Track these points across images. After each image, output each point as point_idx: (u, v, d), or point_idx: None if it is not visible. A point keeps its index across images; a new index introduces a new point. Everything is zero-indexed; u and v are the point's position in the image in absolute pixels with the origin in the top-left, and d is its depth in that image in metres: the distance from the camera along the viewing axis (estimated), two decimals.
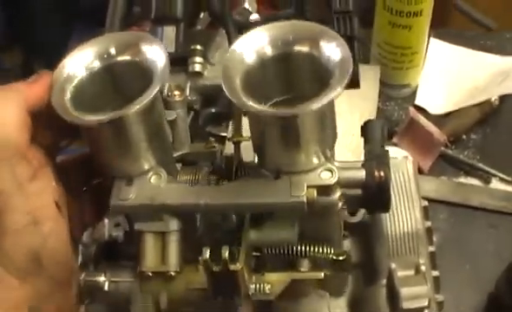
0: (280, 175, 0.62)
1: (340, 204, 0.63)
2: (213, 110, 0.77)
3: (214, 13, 0.80)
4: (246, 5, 1.37)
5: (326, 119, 0.61)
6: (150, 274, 0.64)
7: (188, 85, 0.73)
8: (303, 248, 0.65)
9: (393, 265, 0.74)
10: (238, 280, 0.61)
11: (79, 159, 0.68)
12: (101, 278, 0.67)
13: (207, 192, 0.63)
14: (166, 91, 0.71)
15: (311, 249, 0.65)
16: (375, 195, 0.63)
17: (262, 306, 0.77)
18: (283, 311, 0.76)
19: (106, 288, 0.67)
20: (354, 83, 0.69)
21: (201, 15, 1.31)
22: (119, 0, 0.78)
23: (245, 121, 0.73)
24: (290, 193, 0.60)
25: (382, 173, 0.63)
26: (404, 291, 0.71)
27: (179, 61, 0.73)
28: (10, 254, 0.57)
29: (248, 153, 0.73)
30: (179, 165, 0.69)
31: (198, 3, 0.98)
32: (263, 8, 1.40)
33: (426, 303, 0.71)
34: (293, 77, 0.64)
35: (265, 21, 0.86)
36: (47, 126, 0.62)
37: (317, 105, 0.57)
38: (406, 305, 0.70)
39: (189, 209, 0.63)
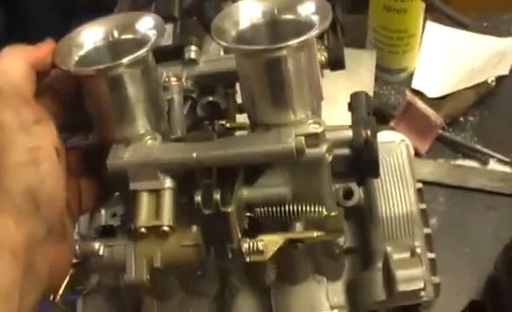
0: (270, 128, 0.64)
1: (329, 158, 0.63)
2: (210, 99, 0.78)
3: (204, 21, 0.81)
4: None
5: (308, 66, 0.63)
6: (144, 231, 0.64)
7: (184, 73, 0.74)
8: (295, 207, 0.65)
9: (389, 248, 0.74)
10: (229, 225, 0.62)
11: (80, 147, 0.69)
12: (97, 244, 0.68)
13: (199, 147, 0.65)
14: (163, 78, 0.72)
15: (304, 208, 0.65)
16: (362, 154, 0.65)
17: (261, 295, 0.79)
18: (281, 297, 0.77)
19: (101, 252, 0.68)
20: (340, 64, 0.71)
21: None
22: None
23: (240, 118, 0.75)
24: (279, 141, 0.62)
25: (368, 132, 0.64)
26: (400, 274, 0.71)
27: (176, 53, 0.75)
28: (9, 190, 0.57)
29: None
30: None
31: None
32: None
33: (422, 285, 0.71)
34: (278, 36, 0.65)
35: None
36: (53, 97, 0.65)
37: (296, 40, 0.59)
38: (402, 288, 0.71)
39: (181, 163, 0.65)
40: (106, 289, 0.81)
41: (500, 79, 1.24)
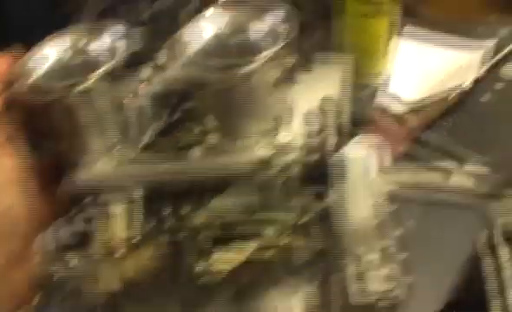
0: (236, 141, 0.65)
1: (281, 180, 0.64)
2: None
3: None
4: None
5: (260, 93, 0.64)
6: (115, 243, 0.65)
7: (154, 78, 0.74)
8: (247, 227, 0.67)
9: (360, 250, 0.75)
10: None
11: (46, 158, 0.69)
12: (65, 258, 0.68)
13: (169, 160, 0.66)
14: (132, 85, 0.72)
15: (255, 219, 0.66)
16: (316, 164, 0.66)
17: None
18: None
19: (70, 265, 0.68)
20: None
21: None
22: None
23: None
24: (244, 153, 0.64)
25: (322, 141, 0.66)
26: (372, 275, 0.72)
27: (145, 58, 0.75)
28: None
29: None
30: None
31: None
32: None
33: (393, 285, 0.72)
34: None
35: None
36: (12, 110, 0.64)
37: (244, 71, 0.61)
38: (374, 288, 0.71)
39: (152, 175, 0.66)
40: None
41: (476, 81, 1.25)
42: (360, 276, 0.73)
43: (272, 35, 0.62)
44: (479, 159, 1.18)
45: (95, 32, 0.68)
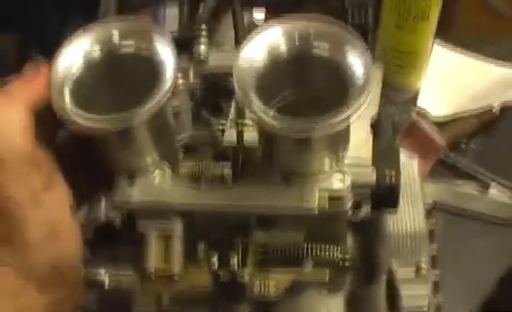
0: (290, 178, 0.61)
1: (350, 211, 0.62)
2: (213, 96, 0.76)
3: None
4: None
5: (341, 132, 0.59)
6: (153, 274, 0.63)
7: (192, 70, 0.72)
8: (309, 248, 0.64)
9: (394, 264, 0.73)
10: (244, 289, 0.62)
11: (74, 138, 0.67)
12: (101, 275, 0.66)
13: (214, 194, 0.62)
14: None
15: (317, 250, 0.64)
16: (385, 196, 0.62)
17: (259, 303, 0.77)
18: (280, 308, 0.76)
19: (106, 285, 0.66)
20: None
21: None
22: None
23: None
24: (301, 199, 0.59)
25: (393, 174, 0.62)
26: (405, 291, 0.70)
27: (183, 43, 0.72)
28: (32, 268, 0.57)
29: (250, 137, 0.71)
30: (181, 151, 0.68)
31: None
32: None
33: (426, 303, 0.70)
34: (307, 76, 0.63)
35: None
36: (47, 120, 0.60)
37: (332, 125, 0.55)
38: (406, 304, 0.70)
39: (195, 211, 0.63)
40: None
41: (504, 108, 1.24)
42: (391, 287, 0.72)
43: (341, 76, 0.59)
44: (505, 185, 1.17)
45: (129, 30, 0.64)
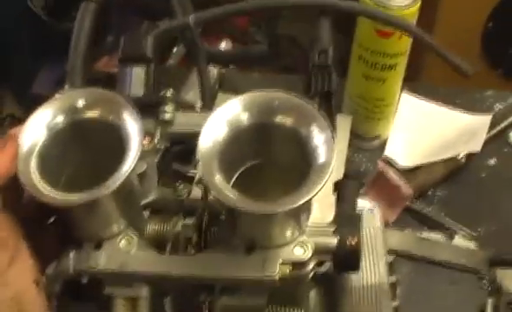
0: (253, 248, 0.62)
1: (311, 274, 0.63)
2: (181, 147, 0.77)
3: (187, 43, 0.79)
4: (223, 46, 1.39)
5: (302, 207, 0.61)
6: None
7: (158, 132, 0.72)
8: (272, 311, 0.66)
9: None
10: None
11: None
12: None
13: (178, 263, 0.64)
14: None
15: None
16: (345, 260, 0.63)
17: None
18: None
19: None
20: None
21: (175, 49, 1.31)
22: (83, 31, 0.77)
23: None
24: (263, 270, 0.61)
25: (354, 241, 0.63)
26: None
27: (148, 107, 0.72)
28: None
29: None
30: (146, 213, 0.69)
31: (170, 38, 0.97)
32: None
33: None
34: (268, 145, 0.65)
35: (238, 53, 0.85)
36: (13, 189, 0.61)
37: (293, 206, 0.57)
38: None
39: (160, 278, 0.64)
40: None
41: (469, 155, 1.26)
42: None
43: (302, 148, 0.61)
44: (468, 234, 1.18)
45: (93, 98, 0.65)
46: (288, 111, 0.62)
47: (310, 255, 0.62)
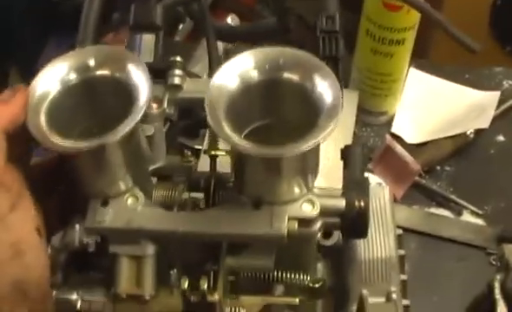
0: (260, 204, 0.61)
1: (319, 235, 0.62)
2: (189, 121, 0.77)
3: (195, 18, 0.79)
4: (229, 20, 1.38)
5: (310, 157, 0.61)
6: (124, 296, 0.63)
7: (167, 97, 0.72)
8: (279, 274, 0.65)
9: (364, 291, 0.74)
10: (214, 309, 0.61)
11: (47, 163, 0.67)
12: (74, 296, 0.66)
13: (185, 219, 0.63)
14: None
15: (287, 275, 0.65)
16: (354, 224, 0.63)
17: None
18: None
19: (78, 307, 0.66)
20: None
21: (180, 26, 1.31)
22: (93, 6, 0.77)
23: None
24: (271, 225, 0.60)
25: (362, 203, 0.63)
26: None
27: (157, 73, 0.71)
28: None
29: (224, 166, 0.72)
30: (154, 179, 0.69)
31: (178, 12, 0.97)
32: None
33: None
34: (277, 102, 0.63)
35: (246, 28, 0.84)
36: (21, 140, 0.60)
37: (301, 148, 0.56)
38: None
39: (166, 235, 0.63)
40: None
41: (478, 131, 1.26)
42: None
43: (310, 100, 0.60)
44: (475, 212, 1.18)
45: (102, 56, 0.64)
46: (295, 65, 0.61)
47: (317, 212, 0.61)
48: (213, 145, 0.72)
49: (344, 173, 0.66)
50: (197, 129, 0.79)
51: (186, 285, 0.61)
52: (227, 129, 0.58)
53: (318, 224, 0.62)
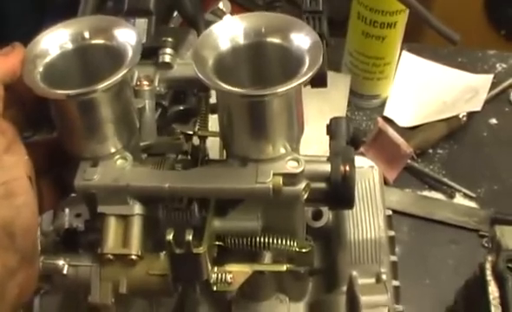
0: (246, 163, 0.62)
1: (305, 195, 0.62)
2: (181, 107, 0.77)
3: (186, 14, 0.80)
4: (221, 5, 1.37)
5: (293, 106, 0.61)
6: (111, 257, 0.63)
7: (157, 76, 0.72)
8: (266, 239, 0.65)
9: (354, 272, 0.74)
10: (200, 264, 0.61)
11: (42, 143, 0.67)
12: (61, 262, 0.66)
13: (172, 176, 0.63)
14: (135, 81, 0.70)
15: (275, 240, 0.65)
16: (339, 189, 0.63)
17: (222, 310, 0.78)
18: None
19: (65, 271, 0.66)
20: (322, 82, 0.70)
21: (174, 13, 1.30)
22: None
23: (212, 119, 0.73)
24: (256, 180, 0.61)
25: (347, 168, 0.63)
26: (364, 299, 0.71)
27: (149, 53, 0.72)
28: None
29: (214, 153, 0.73)
30: (144, 156, 0.69)
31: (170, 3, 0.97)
32: (237, 9, 1.40)
33: (385, 311, 0.71)
34: (264, 68, 0.64)
35: None
36: (17, 102, 0.62)
37: (284, 88, 0.57)
38: None
39: (153, 191, 0.63)
40: (64, 291, 0.79)
41: (471, 114, 1.26)
42: (351, 293, 0.72)
43: (293, 56, 0.61)
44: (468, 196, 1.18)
45: (100, 26, 0.66)
46: (277, 28, 0.62)
47: (302, 168, 0.61)
48: (204, 127, 0.74)
49: (330, 144, 0.67)
50: (189, 115, 0.79)
51: (171, 236, 0.61)
52: (213, 77, 0.60)
53: (303, 184, 0.62)
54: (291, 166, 0.61)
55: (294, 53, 0.61)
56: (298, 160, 0.61)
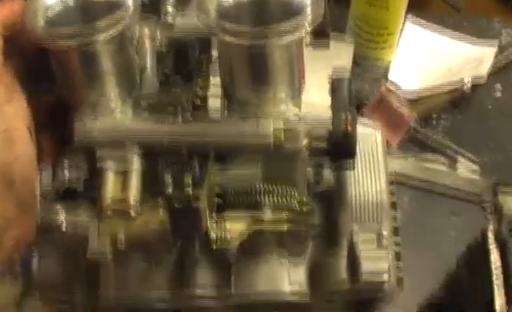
0: (248, 114, 0.63)
1: (307, 152, 0.63)
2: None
3: None
4: None
5: (295, 57, 0.62)
6: (109, 212, 0.63)
7: (158, 33, 0.72)
8: (266, 187, 0.65)
9: (355, 227, 0.73)
10: (199, 217, 0.62)
11: (43, 99, 0.67)
12: (59, 215, 0.66)
13: (172, 129, 0.64)
14: (136, 38, 0.70)
15: (275, 188, 0.65)
16: (341, 143, 0.64)
17: (221, 268, 0.77)
18: (242, 273, 0.75)
19: (63, 226, 0.66)
20: (323, 32, 0.72)
21: None
22: None
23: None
24: (257, 131, 0.61)
25: (349, 117, 0.64)
26: (365, 256, 0.70)
27: (150, 7, 0.72)
28: None
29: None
30: (145, 110, 0.68)
31: None
32: None
33: (386, 268, 0.70)
34: (266, 23, 0.63)
35: None
36: (19, 53, 0.62)
37: (287, 27, 0.58)
38: (366, 269, 0.70)
39: (153, 144, 0.64)
40: (62, 250, 0.79)
41: (475, 86, 1.25)
42: (352, 255, 0.72)
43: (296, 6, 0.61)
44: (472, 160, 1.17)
45: None
46: None
47: (303, 120, 0.62)
48: (205, 82, 0.71)
49: (332, 100, 0.66)
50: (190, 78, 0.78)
51: (170, 190, 0.62)
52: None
53: (304, 140, 0.62)
54: (291, 117, 0.62)
55: (296, 7, 0.61)
56: (299, 111, 0.61)
